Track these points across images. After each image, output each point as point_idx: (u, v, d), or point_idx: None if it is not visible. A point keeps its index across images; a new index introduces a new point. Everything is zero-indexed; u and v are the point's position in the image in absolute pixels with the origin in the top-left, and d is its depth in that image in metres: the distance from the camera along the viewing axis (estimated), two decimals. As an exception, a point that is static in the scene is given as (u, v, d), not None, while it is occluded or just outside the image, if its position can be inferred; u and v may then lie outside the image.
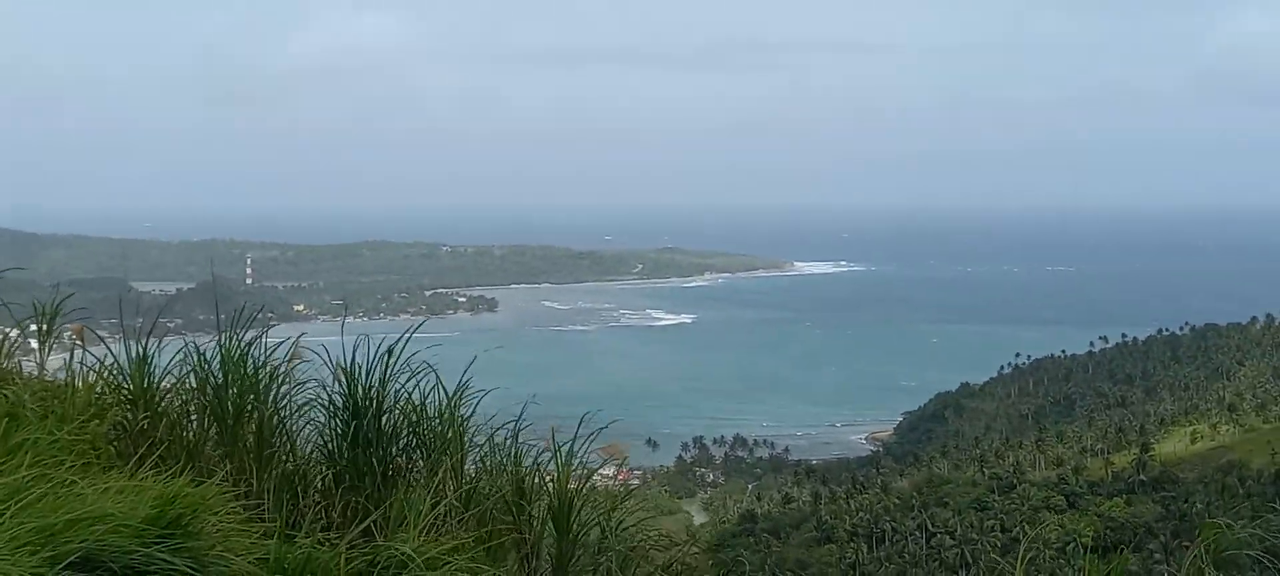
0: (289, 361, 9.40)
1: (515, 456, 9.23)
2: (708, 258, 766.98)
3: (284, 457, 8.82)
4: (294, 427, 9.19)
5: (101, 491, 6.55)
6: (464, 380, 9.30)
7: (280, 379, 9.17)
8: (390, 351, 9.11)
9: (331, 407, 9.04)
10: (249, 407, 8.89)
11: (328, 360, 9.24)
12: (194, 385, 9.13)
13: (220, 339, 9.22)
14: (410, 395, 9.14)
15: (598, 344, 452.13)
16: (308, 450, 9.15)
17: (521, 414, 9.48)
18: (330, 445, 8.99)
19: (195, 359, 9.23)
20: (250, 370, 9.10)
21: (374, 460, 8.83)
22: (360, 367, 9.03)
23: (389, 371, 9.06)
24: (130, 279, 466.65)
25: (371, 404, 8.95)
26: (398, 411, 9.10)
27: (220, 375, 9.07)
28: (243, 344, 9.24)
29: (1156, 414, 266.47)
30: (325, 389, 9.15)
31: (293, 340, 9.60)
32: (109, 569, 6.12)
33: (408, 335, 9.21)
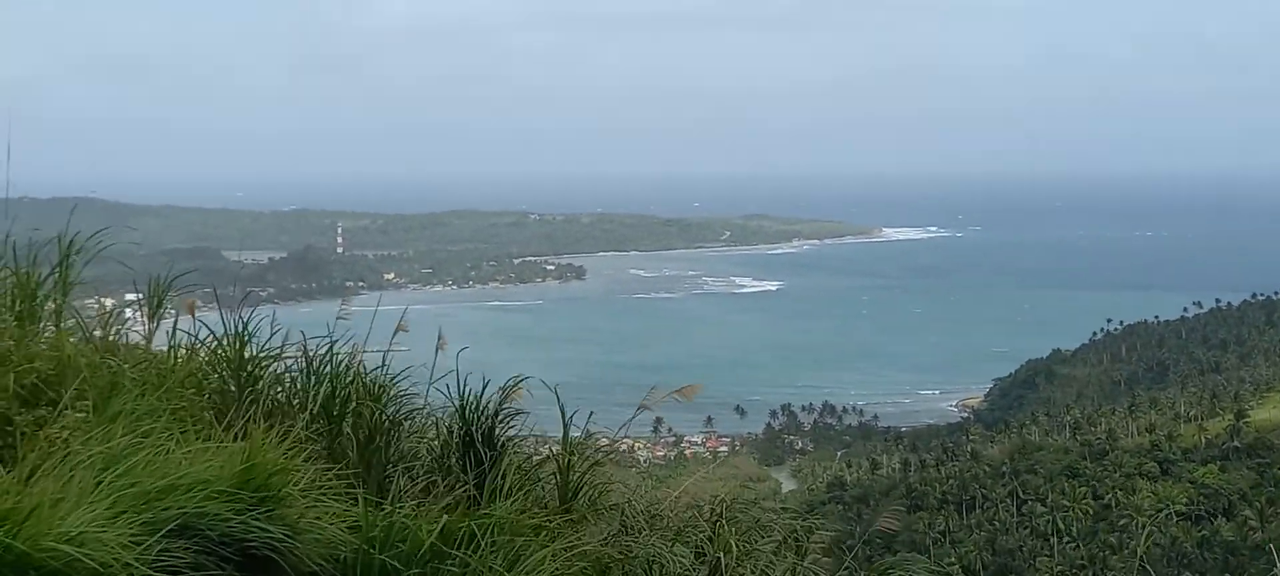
0: (438, 346, 9.50)
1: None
2: (795, 224, 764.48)
3: (387, 435, 8.91)
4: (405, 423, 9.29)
5: (194, 454, 6.64)
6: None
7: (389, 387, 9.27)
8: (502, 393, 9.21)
9: (439, 421, 9.18)
10: (354, 405, 8.98)
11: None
12: (299, 365, 9.21)
13: (329, 336, 9.26)
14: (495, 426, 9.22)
15: (685, 311, 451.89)
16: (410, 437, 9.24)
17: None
18: (436, 444, 9.11)
19: (303, 352, 9.30)
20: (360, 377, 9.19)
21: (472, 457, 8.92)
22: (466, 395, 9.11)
23: (499, 410, 9.15)
24: (222, 248, 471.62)
25: (483, 429, 9.04)
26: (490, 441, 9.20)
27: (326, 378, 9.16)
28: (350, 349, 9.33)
29: (1251, 379, 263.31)
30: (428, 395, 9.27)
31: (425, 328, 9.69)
32: (206, 536, 6.21)
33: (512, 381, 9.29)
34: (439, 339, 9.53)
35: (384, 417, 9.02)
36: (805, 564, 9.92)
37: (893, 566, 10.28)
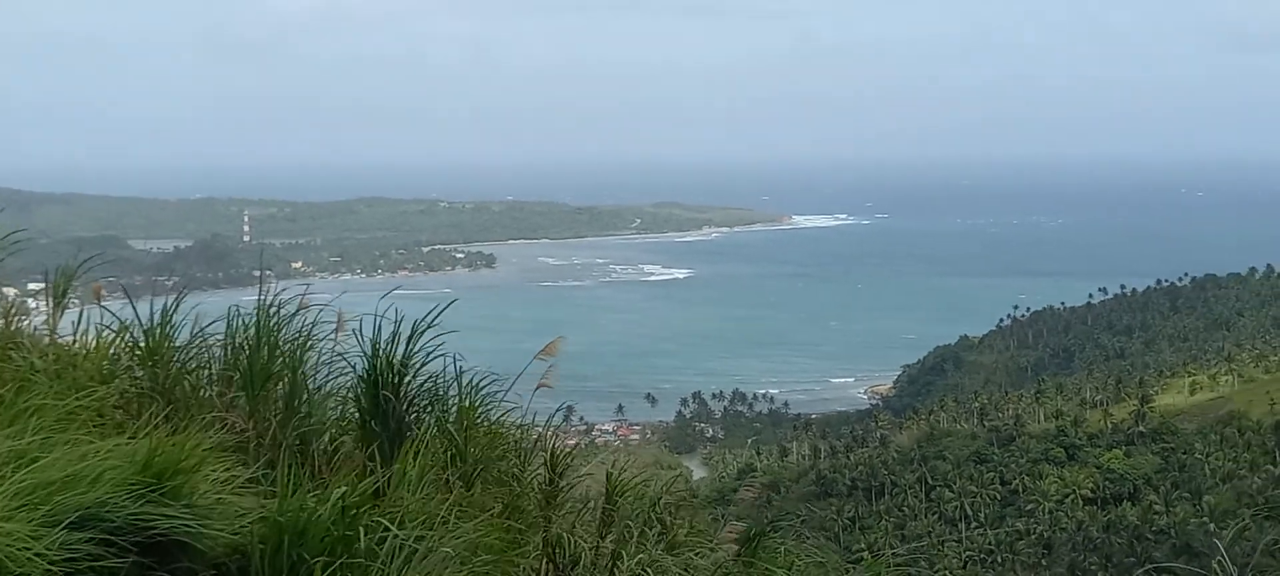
0: (337, 329, 9.41)
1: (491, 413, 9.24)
2: (706, 211, 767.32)
3: (304, 420, 8.81)
4: (315, 389, 9.19)
5: (101, 451, 6.56)
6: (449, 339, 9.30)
7: (307, 343, 9.16)
8: (414, 329, 9.11)
9: (352, 375, 9.08)
10: (278, 369, 8.87)
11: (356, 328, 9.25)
12: (222, 344, 9.09)
13: (260, 300, 9.15)
14: (406, 360, 9.13)
15: (595, 299, 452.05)
16: (326, 413, 9.15)
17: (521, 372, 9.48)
18: (354, 405, 9.02)
19: (228, 319, 9.18)
20: (282, 335, 9.07)
21: (379, 424, 8.84)
22: (377, 338, 9.03)
23: (411, 343, 9.06)
24: (128, 237, 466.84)
25: (392, 374, 8.95)
26: (417, 380, 9.11)
27: (248, 335, 9.03)
28: (269, 306, 9.18)
29: (1156, 365, 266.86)
30: (343, 355, 9.18)
31: (336, 311, 9.58)
32: (109, 525, 6.15)
33: (437, 311, 9.18)
34: (338, 321, 9.44)
35: (295, 384, 8.94)
36: (710, 547, 9.96)
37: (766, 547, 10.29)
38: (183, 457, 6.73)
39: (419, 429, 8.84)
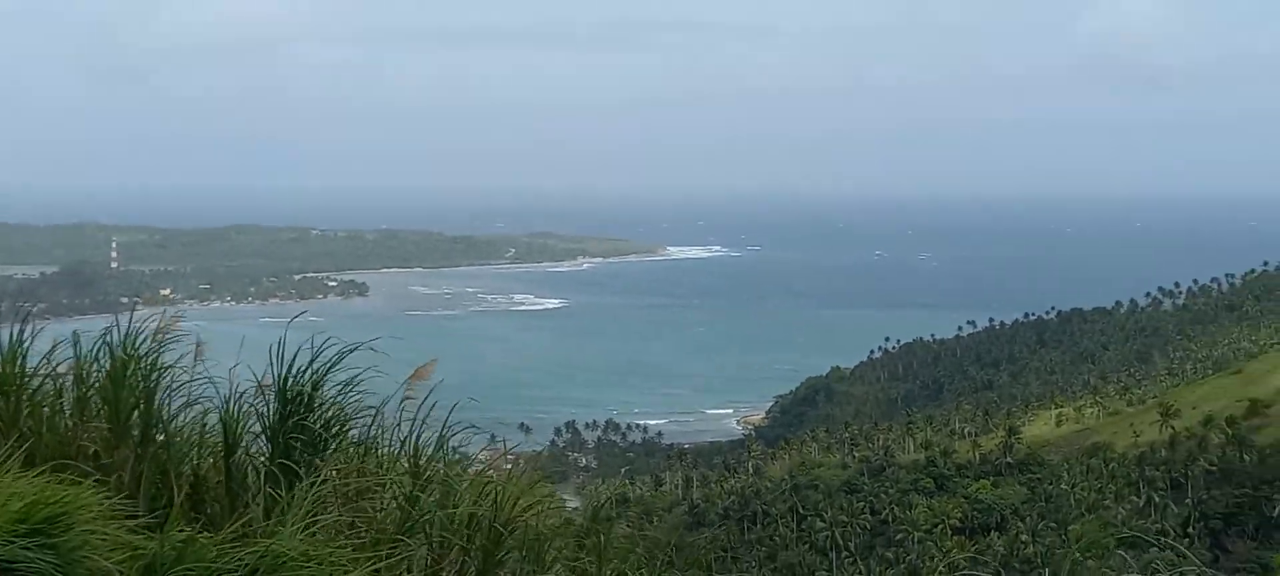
0: (196, 354, 9.12)
1: (386, 446, 9.06)
2: (581, 242, 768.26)
3: (162, 450, 8.54)
4: (179, 419, 8.93)
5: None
6: (339, 367, 9.11)
7: (158, 367, 8.88)
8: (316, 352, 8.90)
9: (228, 399, 8.81)
10: (135, 399, 8.58)
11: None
12: (71, 372, 8.78)
13: (116, 327, 8.86)
14: (297, 385, 8.91)
15: (467, 329, 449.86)
16: (192, 444, 8.89)
17: (392, 403, 9.33)
18: (223, 437, 8.76)
19: (74, 346, 8.87)
20: (131, 358, 8.78)
21: (273, 452, 8.61)
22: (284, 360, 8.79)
23: (313, 368, 8.82)
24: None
25: (296, 398, 8.72)
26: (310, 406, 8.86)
27: (101, 363, 8.74)
28: (122, 332, 8.89)
29: (1023, 397, 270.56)
30: (212, 381, 8.92)
31: (197, 337, 9.33)
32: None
33: (348, 348, 8.99)
34: (197, 347, 9.18)
35: (150, 413, 8.66)
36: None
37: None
38: (67, 503, 6.55)
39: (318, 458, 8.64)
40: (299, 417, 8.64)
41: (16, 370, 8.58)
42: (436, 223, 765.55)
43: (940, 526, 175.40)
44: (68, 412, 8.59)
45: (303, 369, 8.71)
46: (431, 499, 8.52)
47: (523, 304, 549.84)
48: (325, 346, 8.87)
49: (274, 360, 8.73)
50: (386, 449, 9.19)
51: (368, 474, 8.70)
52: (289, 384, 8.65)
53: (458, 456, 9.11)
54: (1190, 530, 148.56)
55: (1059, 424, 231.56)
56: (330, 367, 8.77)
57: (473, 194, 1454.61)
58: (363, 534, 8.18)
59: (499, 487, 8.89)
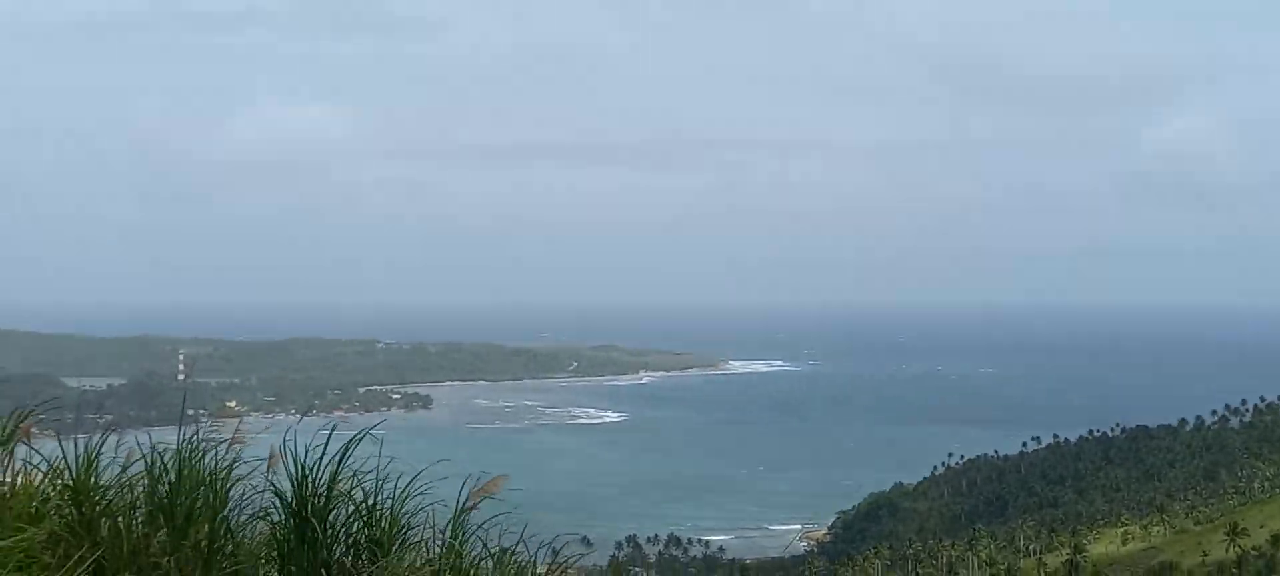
0: (269, 465, 9.27)
1: (458, 554, 9.14)
2: (643, 355, 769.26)
3: (230, 560, 8.65)
4: (245, 529, 9.05)
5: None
6: (401, 479, 9.23)
7: (230, 479, 9.01)
8: (343, 448, 9.02)
9: (281, 508, 8.93)
10: (199, 509, 8.70)
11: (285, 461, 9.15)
12: (145, 485, 8.91)
13: (179, 437, 9.03)
14: (356, 494, 9.03)
15: (530, 443, 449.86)
16: (260, 554, 8.99)
17: (459, 511, 9.43)
18: (279, 547, 8.87)
19: (147, 458, 9.01)
20: (203, 470, 8.92)
21: (318, 561, 8.71)
22: (304, 466, 8.93)
23: (336, 471, 8.95)
24: (60, 375, 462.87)
25: (318, 502, 8.84)
26: (345, 510, 8.98)
27: (172, 474, 8.88)
28: (193, 442, 9.05)
29: (1088, 514, 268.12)
30: (277, 491, 9.04)
31: (259, 442, 9.47)
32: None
33: (359, 435, 9.12)
34: (270, 457, 9.32)
35: (215, 525, 8.77)
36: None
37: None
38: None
39: (355, 566, 8.73)
40: (316, 521, 8.76)
41: (90, 480, 8.73)
42: (498, 335, 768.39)
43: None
44: (139, 523, 8.72)
45: (316, 471, 8.85)
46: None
47: (584, 417, 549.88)
48: (367, 457, 9.00)
49: (294, 470, 8.88)
50: (442, 558, 9.28)
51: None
52: (308, 489, 8.79)
53: (517, 569, 9.17)
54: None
55: (1125, 542, 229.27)
56: (339, 467, 8.90)
57: (532, 309, 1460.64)
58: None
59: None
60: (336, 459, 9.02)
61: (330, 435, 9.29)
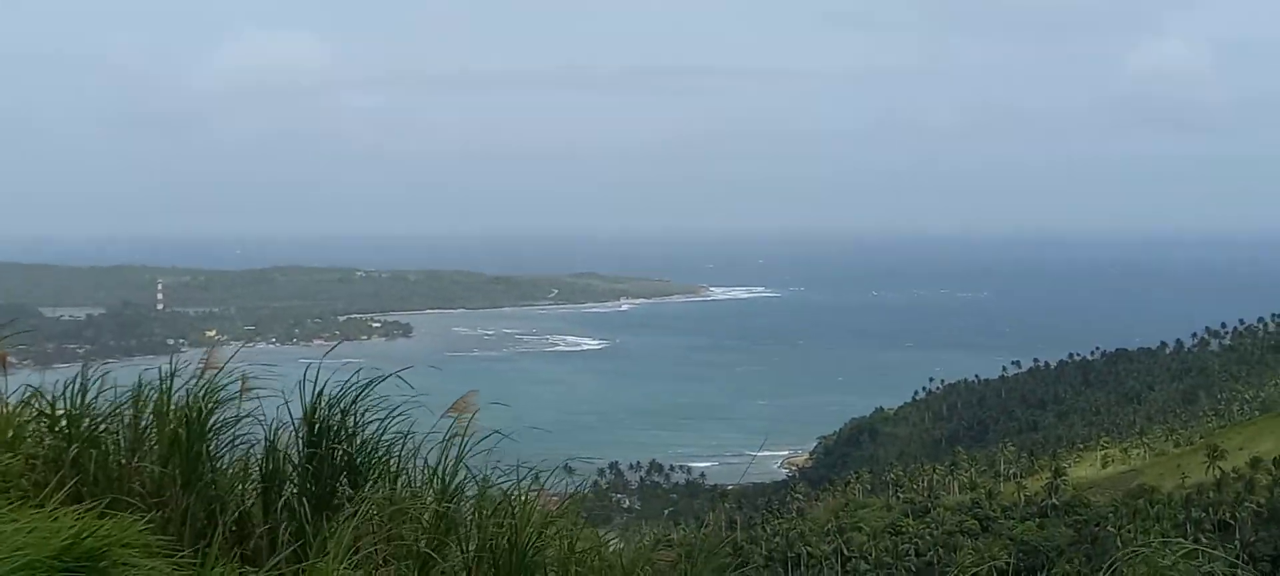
0: (241, 391, 9.21)
1: (441, 482, 9.11)
2: (623, 282, 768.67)
3: (210, 486, 8.63)
4: (225, 456, 9.03)
5: (14, 527, 6.40)
6: (381, 403, 9.19)
7: (210, 406, 8.97)
8: (365, 383, 8.99)
9: (269, 436, 8.91)
10: (179, 435, 8.67)
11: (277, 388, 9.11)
12: (130, 412, 8.89)
13: (170, 367, 8.99)
14: (345, 420, 9.00)
15: (511, 370, 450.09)
16: (238, 480, 8.98)
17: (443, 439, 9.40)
18: (264, 472, 8.85)
19: (134, 387, 8.99)
20: (184, 397, 8.88)
21: (305, 487, 8.69)
22: (319, 396, 8.90)
23: (349, 403, 8.94)
24: (39, 305, 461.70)
25: (328, 431, 8.82)
26: (339, 438, 8.96)
27: (152, 401, 8.86)
28: (170, 370, 9.01)
29: (1068, 438, 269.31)
30: (258, 419, 9.02)
31: (239, 370, 9.41)
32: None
33: (378, 377, 9.09)
34: (242, 384, 9.27)
35: (205, 449, 8.75)
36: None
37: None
38: (111, 536, 6.60)
39: (359, 494, 8.70)
40: (328, 449, 8.75)
41: (81, 407, 8.71)
42: (478, 264, 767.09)
43: (986, 568, 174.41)
44: (120, 450, 8.70)
45: (332, 401, 8.83)
46: (462, 522, 8.61)
47: (564, 344, 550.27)
48: (359, 381, 8.99)
49: (304, 394, 8.86)
50: (422, 481, 9.28)
51: (399, 503, 8.75)
52: (318, 416, 8.76)
53: (496, 491, 9.17)
54: (1238, 572, 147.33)
55: (1105, 465, 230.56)
56: (356, 398, 8.90)
57: (513, 238, 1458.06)
58: (394, 562, 8.23)
59: (529, 513, 8.97)
60: (356, 390, 9.01)
61: (319, 365, 9.26)
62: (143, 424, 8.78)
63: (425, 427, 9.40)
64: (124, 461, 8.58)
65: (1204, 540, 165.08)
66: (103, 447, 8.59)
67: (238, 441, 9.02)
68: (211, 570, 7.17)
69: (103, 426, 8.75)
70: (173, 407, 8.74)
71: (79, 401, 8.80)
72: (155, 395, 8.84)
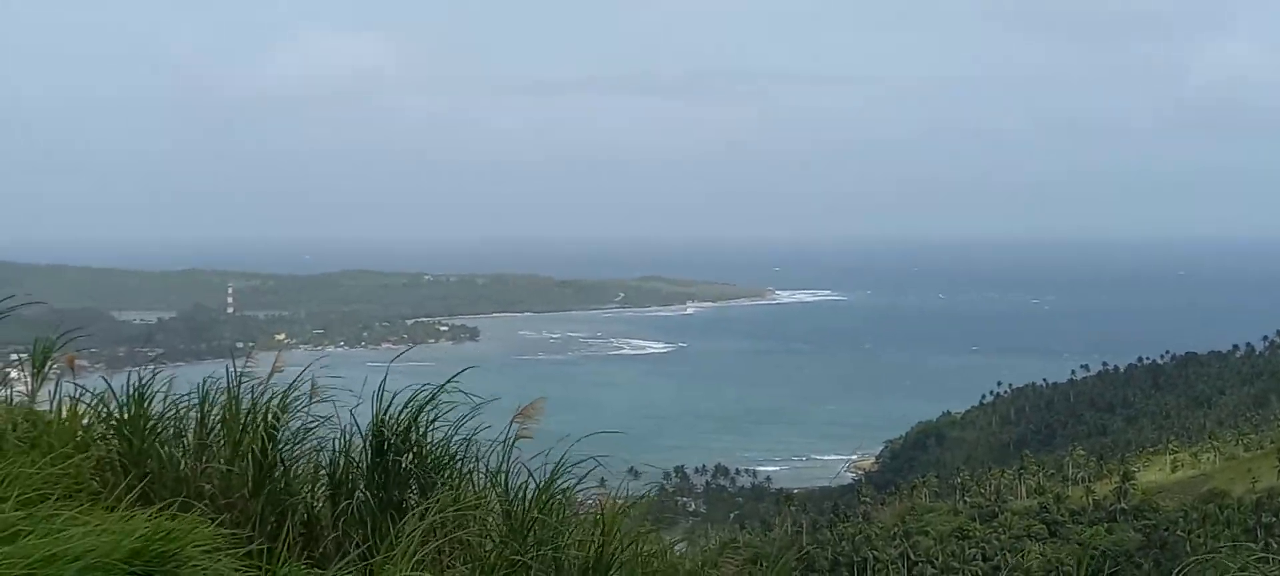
0: (312, 397, 9.31)
1: (505, 485, 9.16)
2: (689, 286, 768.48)
3: (280, 489, 8.71)
4: (295, 459, 9.12)
5: (86, 529, 6.46)
6: (452, 410, 9.25)
7: (281, 410, 9.06)
8: (433, 391, 9.08)
9: (343, 441, 9.00)
10: (247, 439, 8.77)
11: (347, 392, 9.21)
12: (196, 416, 9.00)
13: (235, 369, 9.10)
14: (412, 427, 9.07)
15: (577, 373, 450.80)
16: (306, 482, 9.07)
17: (509, 442, 9.45)
18: (337, 476, 8.93)
19: (196, 388, 9.12)
20: (251, 402, 8.98)
21: (373, 490, 8.76)
22: (385, 402, 8.98)
23: (423, 407, 9.02)
24: (111, 309, 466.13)
25: (395, 438, 8.89)
26: (405, 445, 9.03)
27: (221, 405, 8.97)
28: (238, 373, 9.12)
29: (1137, 442, 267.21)
30: (328, 420, 9.11)
31: (309, 374, 9.49)
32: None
33: (445, 383, 9.15)
34: (313, 390, 9.35)
35: (276, 452, 8.83)
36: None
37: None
38: (170, 531, 6.66)
39: (426, 498, 8.75)
40: (395, 456, 8.81)
41: (139, 411, 8.81)
42: (545, 268, 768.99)
43: (1053, 573, 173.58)
44: (188, 453, 8.80)
45: (400, 408, 8.90)
46: (530, 535, 8.65)
47: (631, 348, 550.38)
48: (427, 385, 9.06)
49: (372, 398, 8.94)
50: (490, 487, 9.33)
51: (465, 505, 8.79)
52: (386, 420, 8.84)
53: (563, 498, 9.20)
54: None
55: (1174, 470, 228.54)
56: (423, 408, 8.96)
57: (580, 242, 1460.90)
58: (461, 566, 8.28)
59: (603, 522, 8.99)
60: (423, 397, 9.09)
61: (388, 368, 9.35)
62: (209, 426, 8.88)
63: (493, 431, 9.46)
64: (191, 464, 8.68)
65: (1275, 545, 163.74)
66: (168, 450, 8.69)
67: (308, 444, 9.12)
68: (280, 570, 7.22)
69: (167, 428, 8.86)
70: (241, 411, 8.83)
71: (137, 404, 8.90)
72: (222, 398, 8.95)
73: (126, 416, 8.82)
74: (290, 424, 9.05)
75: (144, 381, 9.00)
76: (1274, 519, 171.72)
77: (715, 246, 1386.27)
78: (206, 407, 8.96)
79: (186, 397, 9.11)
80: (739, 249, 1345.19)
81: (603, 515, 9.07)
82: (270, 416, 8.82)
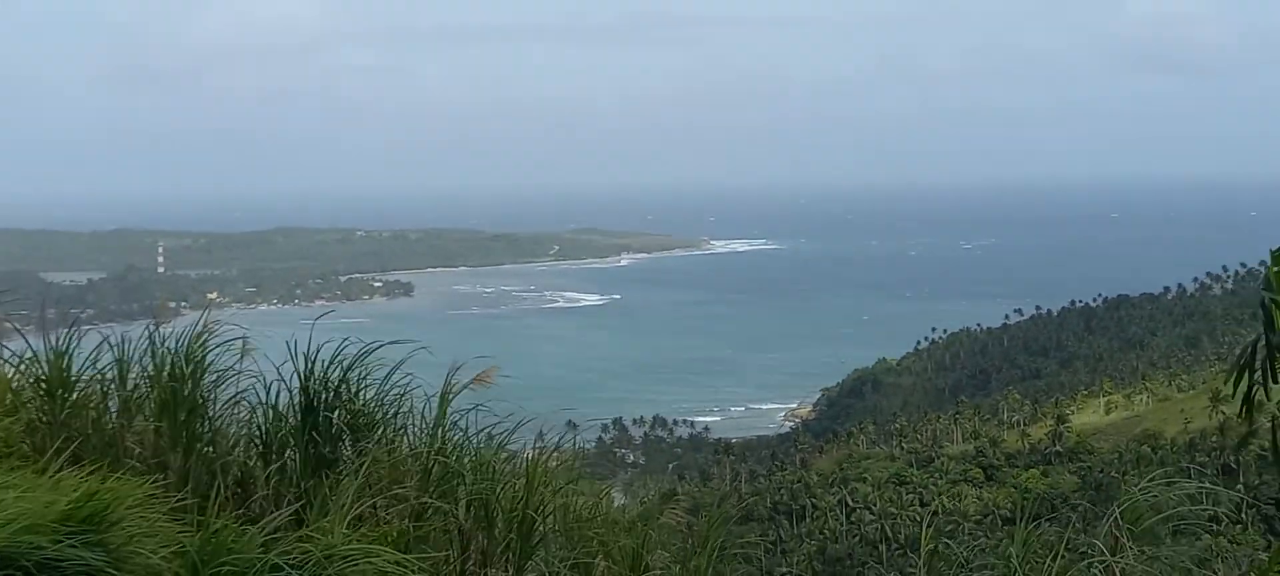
0: (242, 353, 9.22)
1: (440, 438, 9.11)
2: (623, 237, 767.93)
3: (208, 446, 8.64)
4: (224, 417, 9.05)
5: (17, 492, 6.40)
6: (385, 363, 9.18)
7: (206, 367, 8.98)
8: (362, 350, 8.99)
9: (268, 397, 8.93)
10: (176, 398, 8.68)
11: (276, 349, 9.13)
12: (116, 376, 8.92)
13: (155, 328, 9.00)
14: (342, 384, 9.00)
15: (512, 326, 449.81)
16: (237, 440, 9.01)
17: (448, 396, 9.39)
18: (264, 432, 8.86)
19: (118, 349, 9.02)
20: (180, 360, 8.89)
21: (304, 447, 8.70)
22: (313, 359, 8.90)
23: (350, 366, 8.95)
24: (40, 270, 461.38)
25: (324, 394, 8.82)
26: (336, 401, 8.97)
27: (148, 365, 8.87)
28: (158, 332, 9.02)
29: (1071, 385, 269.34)
30: (259, 378, 9.04)
31: (236, 332, 9.40)
32: (22, 567, 6.07)
33: (377, 344, 9.08)
34: (243, 347, 9.28)
35: (203, 410, 8.76)
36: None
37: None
38: (113, 498, 6.60)
39: (358, 455, 8.70)
40: (326, 413, 8.76)
41: (62, 373, 8.71)
42: (478, 221, 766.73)
43: (991, 516, 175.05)
44: (114, 413, 8.71)
45: (332, 361, 8.84)
46: (459, 480, 8.62)
47: (566, 301, 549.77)
48: (358, 341, 9.00)
49: (294, 356, 8.87)
50: (422, 439, 9.28)
51: (398, 462, 8.77)
52: (315, 376, 8.78)
53: (500, 448, 9.17)
54: (1243, 516, 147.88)
55: (1108, 412, 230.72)
56: (357, 358, 8.91)
57: (513, 193, 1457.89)
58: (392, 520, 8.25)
59: (534, 470, 8.99)
60: (354, 353, 9.02)
61: (313, 325, 9.27)
62: (132, 386, 8.79)
63: (427, 386, 9.40)
64: (118, 424, 8.60)
65: (1208, 484, 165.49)
66: (94, 410, 8.61)
67: (240, 402, 9.04)
68: (210, 522, 7.15)
69: (90, 389, 8.77)
70: (163, 370, 8.75)
71: (60, 365, 8.81)
72: (147, 358, 8.86)
73: (51, 376, 8.73)
74: (219, 382, 8.98)
75: (67, 343, 8.91)
76: (1207, 458, 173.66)
77: (650, 196, 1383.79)
78: (125, 366, 8.88)
79: (109, 358, 9.02)
80: (674, 197, 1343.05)
81: (530, 466, 9.03)
82: (190, 372, 8.74)
